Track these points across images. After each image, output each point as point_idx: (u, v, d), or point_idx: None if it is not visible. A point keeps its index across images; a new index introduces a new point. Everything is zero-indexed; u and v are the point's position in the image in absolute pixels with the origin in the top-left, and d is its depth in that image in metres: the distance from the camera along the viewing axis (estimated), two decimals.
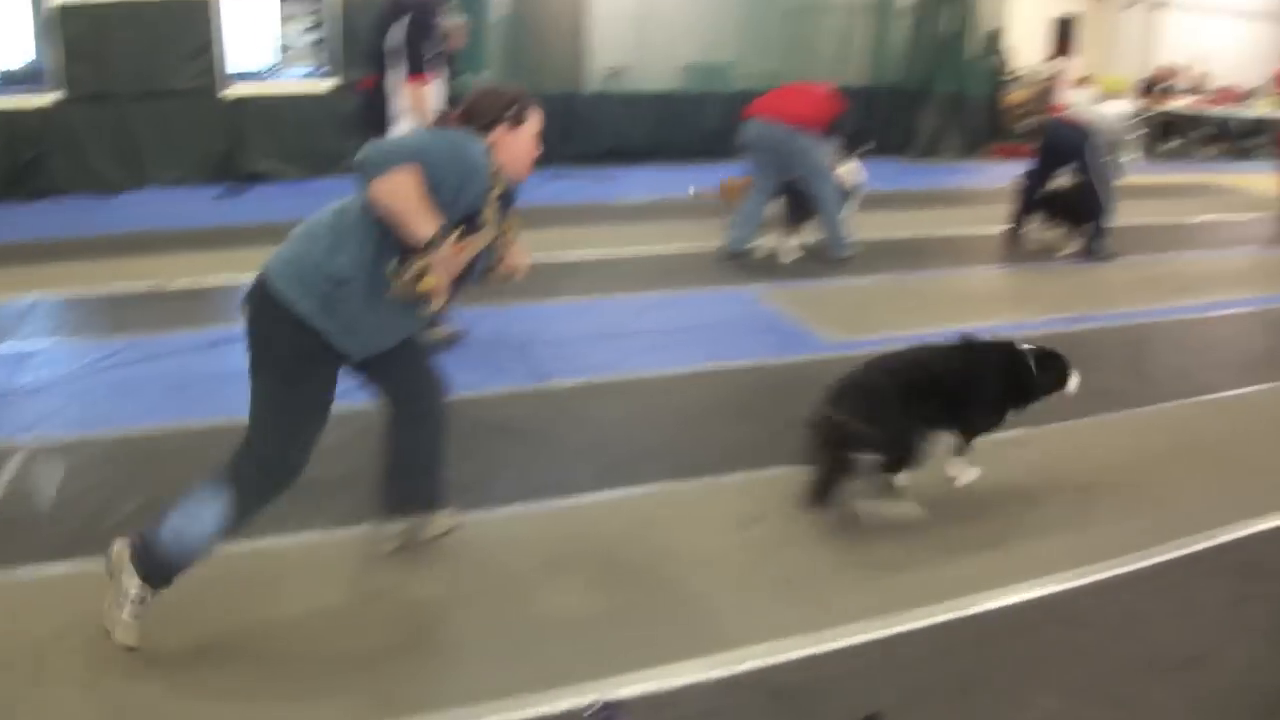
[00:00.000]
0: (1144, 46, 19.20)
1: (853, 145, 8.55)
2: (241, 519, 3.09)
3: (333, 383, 3.14)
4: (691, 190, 10.37)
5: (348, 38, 10.95)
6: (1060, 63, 15.76)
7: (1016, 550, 3.88)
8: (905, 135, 14.61)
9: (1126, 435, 5.10)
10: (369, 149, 2.99)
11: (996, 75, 15.32)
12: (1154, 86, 17.74)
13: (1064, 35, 16.80)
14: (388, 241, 2.96)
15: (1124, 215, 9.49)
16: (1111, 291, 7.93)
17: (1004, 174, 10.35)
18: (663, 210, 10.22)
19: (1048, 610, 3.50)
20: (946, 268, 8.40)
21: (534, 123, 3.34)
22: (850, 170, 8.45)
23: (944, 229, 9.80)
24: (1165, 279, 8.32)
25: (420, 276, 2.93)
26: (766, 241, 8.28)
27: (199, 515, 3.04)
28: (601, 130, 12.83)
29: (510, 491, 4.13)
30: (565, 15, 13.35)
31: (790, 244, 8.24)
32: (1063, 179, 8.96)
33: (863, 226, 8.72)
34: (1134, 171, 10.91)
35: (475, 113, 3.30)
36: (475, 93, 3.38)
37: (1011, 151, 14.15)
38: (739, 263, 8.05)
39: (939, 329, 6.44)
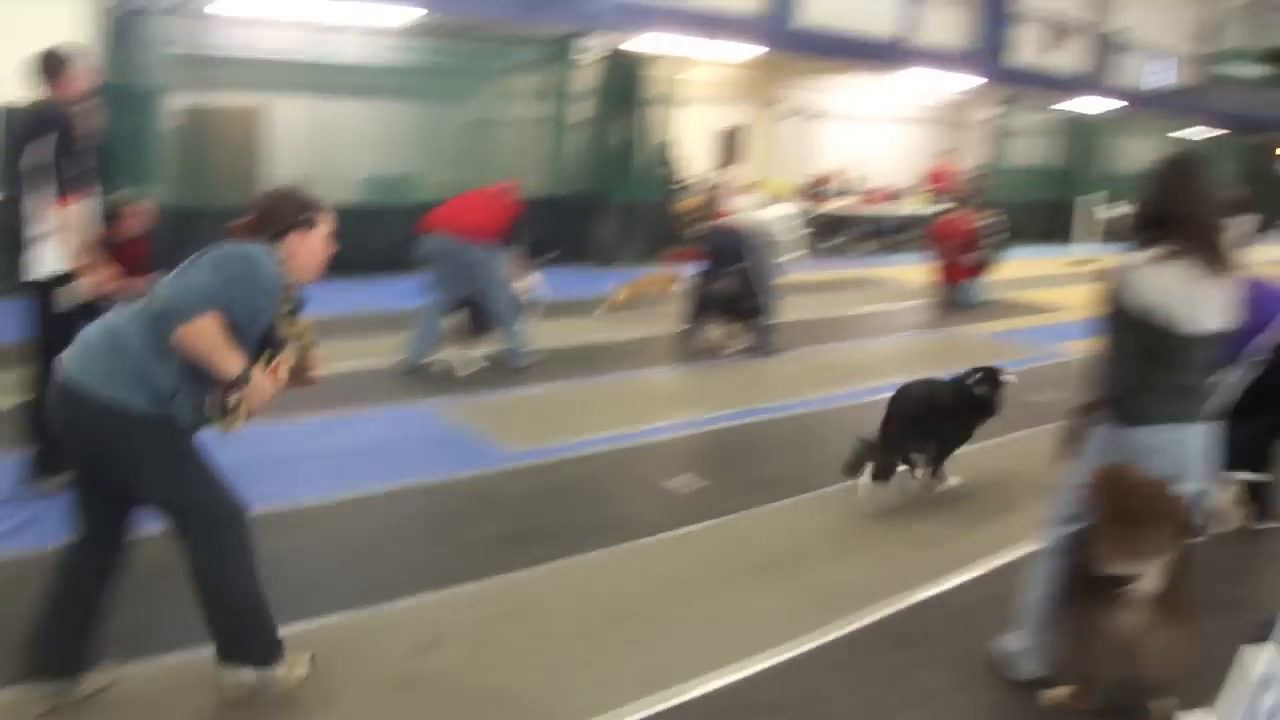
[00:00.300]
0: (804, 153, 20.65)
1: (534, 254, 8.76)
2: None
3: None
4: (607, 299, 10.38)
5: None
6: (726, 171, 16.66)
7: (683, 645, 4.00)
8: (586, 244, 15.08)
9: (790, 521, 5.39)
10: (170, 295, 3.12)
11: (667, 184, 16.08)
12: (815, 190, 19.07)
13: (730, 145, 17.82)
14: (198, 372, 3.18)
15: (789, 310, 10.13)
16: (778, 384, 8.42)
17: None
18: (339, 327, 9.95)
19: (731, 698, 3.66)
20: (625, 370, 8.67)
21: (325, 225, 3.46)
22: (529, 281, 8.65)
23: (623, 333, 10.11)
24: (829, 368, 8.91)
25: (237, 407, 3.24)
26: (446, 354, 8.29)
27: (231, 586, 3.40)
28: None
29: (174, 637, 3.84)
30: (240, 126, 13.07)
31: (470, 356, 8.28)
32: (727, 281, 9.46)
33: (544, 335, 8.90)
34: (797, 269, 11.64)
35: (268, 220, 3.34)
36: (265, 198, 3.43)
37: (684, 256, 14.83)
38: (418, 378, 8.02)
39: (619, 432, 6.70)
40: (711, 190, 16.05)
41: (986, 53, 23.41)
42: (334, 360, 8.20)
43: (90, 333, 3.26)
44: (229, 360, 3.13)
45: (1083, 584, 3.45)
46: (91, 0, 10.84)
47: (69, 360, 3.19)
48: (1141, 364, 3.49)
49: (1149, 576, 3.29)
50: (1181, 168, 3.62)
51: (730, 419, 7.29)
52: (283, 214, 3.40)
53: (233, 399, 3.21)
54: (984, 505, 5.75)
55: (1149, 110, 27.20)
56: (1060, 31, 26.02)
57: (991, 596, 4.36)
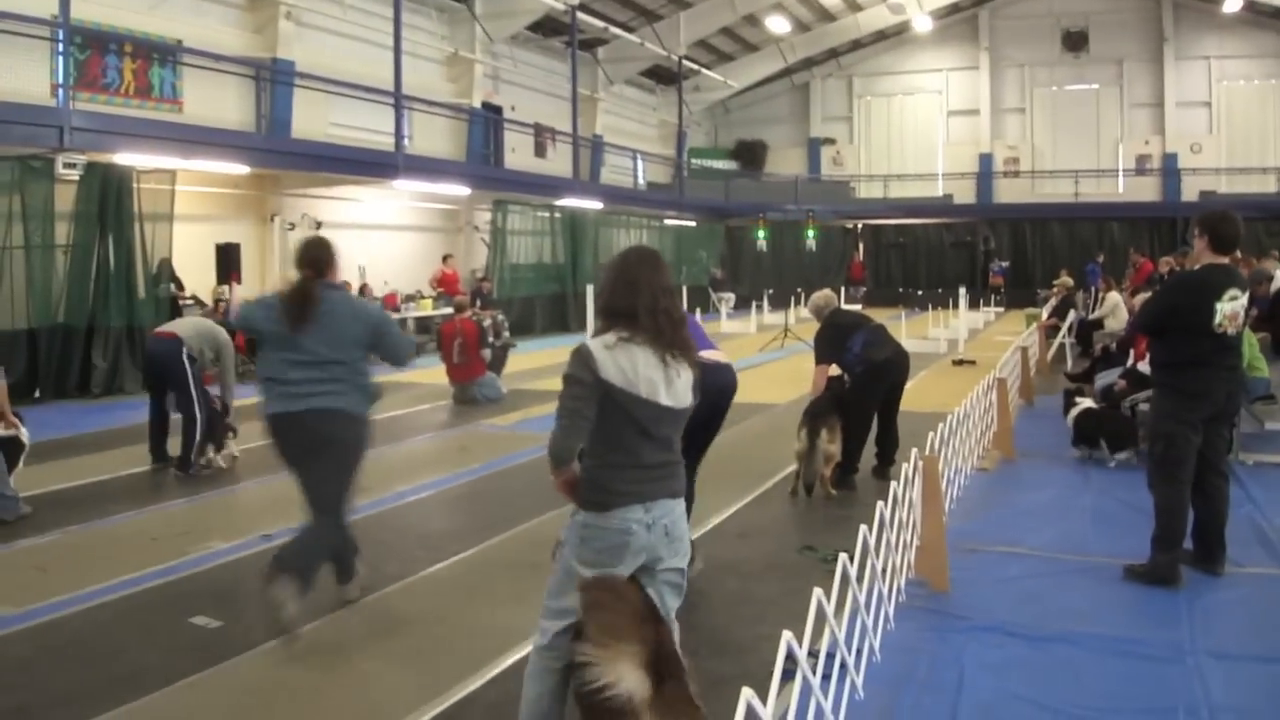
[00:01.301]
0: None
1: (14, 394, 8.24)
2: None
3: None
4: None
5: None
6: (228, 287, 16.33)
7: None
8: (81, 376, 14.20)
9: (326, 637, 5.39)
10: None
11: (171, 304, 15.52)
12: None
13: (229, 259, 17.44)
14: None
15: None
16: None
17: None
18: None
19: None
20: (134, 509, 8.25)
21: None
22: (20, 426, 8.13)
23: (131, 467, 9.63)
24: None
25: None
26: None
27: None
28: None
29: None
30: None
31: None
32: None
33: (37, 480, 8.38)
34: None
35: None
36: None
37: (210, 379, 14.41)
38: None
39: (129, 576, 6.43)
40: (216, 306, 15.75)
41: (478, 160, 24.66)
42: None
43: None
44: None
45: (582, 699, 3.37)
46: None
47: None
48: (604, 446, 3.71)
49: (632, 682, 3.23)
50: (632, 260, 3.87)
51: (255, 545, 7.18)
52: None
53: None
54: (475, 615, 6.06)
55: (632, 205, 29.66)
56: (546, 138, 27.87)
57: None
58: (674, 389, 3.69)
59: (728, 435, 10.55)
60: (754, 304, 27.85)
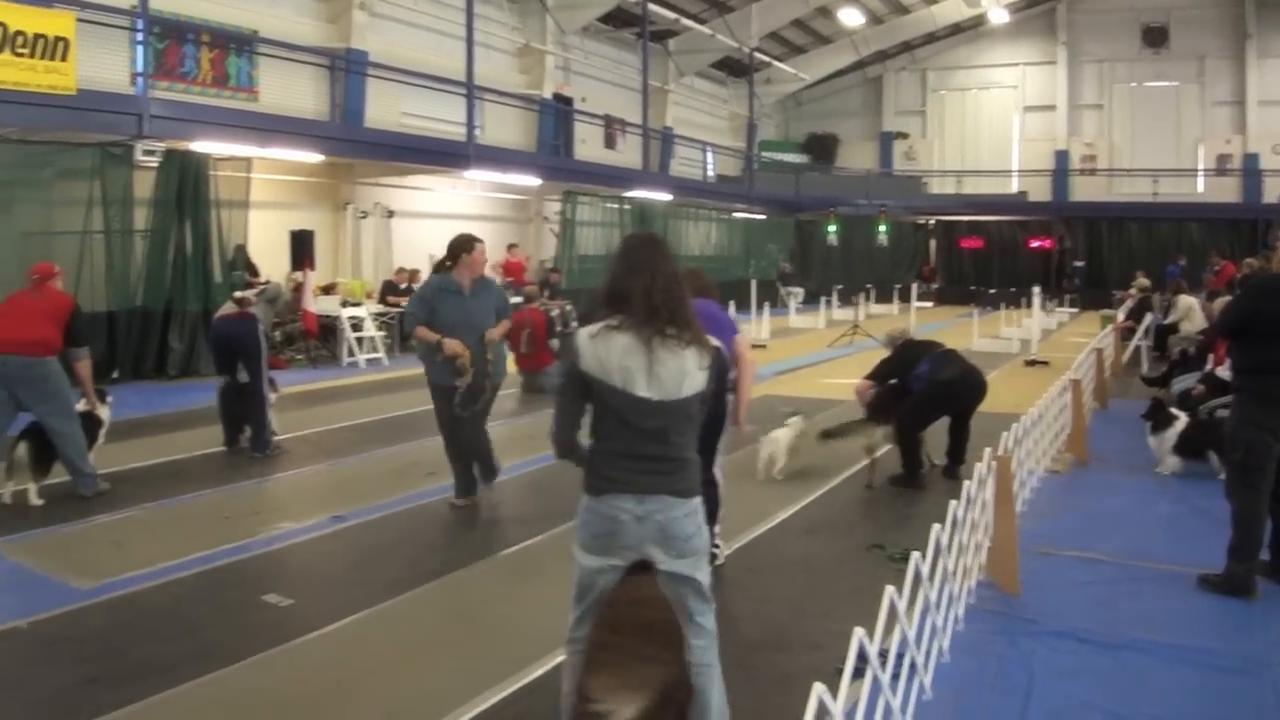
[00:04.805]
0: (381, 252, 20.83)
1: (97, 374, 8.41)
2: None
3: None
4: None
5: None
6: (302, 273, 16.56)
7: None
8: (158, 358, 14.47)
9: (397, 621, 5.40)
10: None
11: (245, 288, 15.74)
12: (395, 288, 19.23)
13: (303, 246, 17.71)
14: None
15: (379, 408, 10.15)
16: (364, 486, 8.41)
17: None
18: None
19: None
20: (208, 488, 8.39)
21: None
22: (102, 404, 8.30)
23: (205, 448, 9.80)
24: (416, 466, 9.00)
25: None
26: (5, 489, 7.73)
27: None
28: None
29: None
30: None
31: (33, 488, 7.72)
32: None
33: (116, 458, 8.53)
34: (381, 367, 11.59)
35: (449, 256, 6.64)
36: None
37: (283, 363, 14.71)
38: None
39: (205, 553, 6.53)
40: (293, 291, 15.96)
41: (549, 151, 24.71)
42: None
43: None
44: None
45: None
46: None
47: None
48: (599, 433, 3.69)
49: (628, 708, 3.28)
50: (632, 245, 3.91)
51: (323, 526, 7.29)
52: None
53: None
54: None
55: (701, 197, 29.57)
56: (616, 129, 27.88)
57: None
58: (657, 379, 3.57)
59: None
60: (823, 299, 27.61)
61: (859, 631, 3.28)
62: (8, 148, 13.22)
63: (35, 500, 7.67)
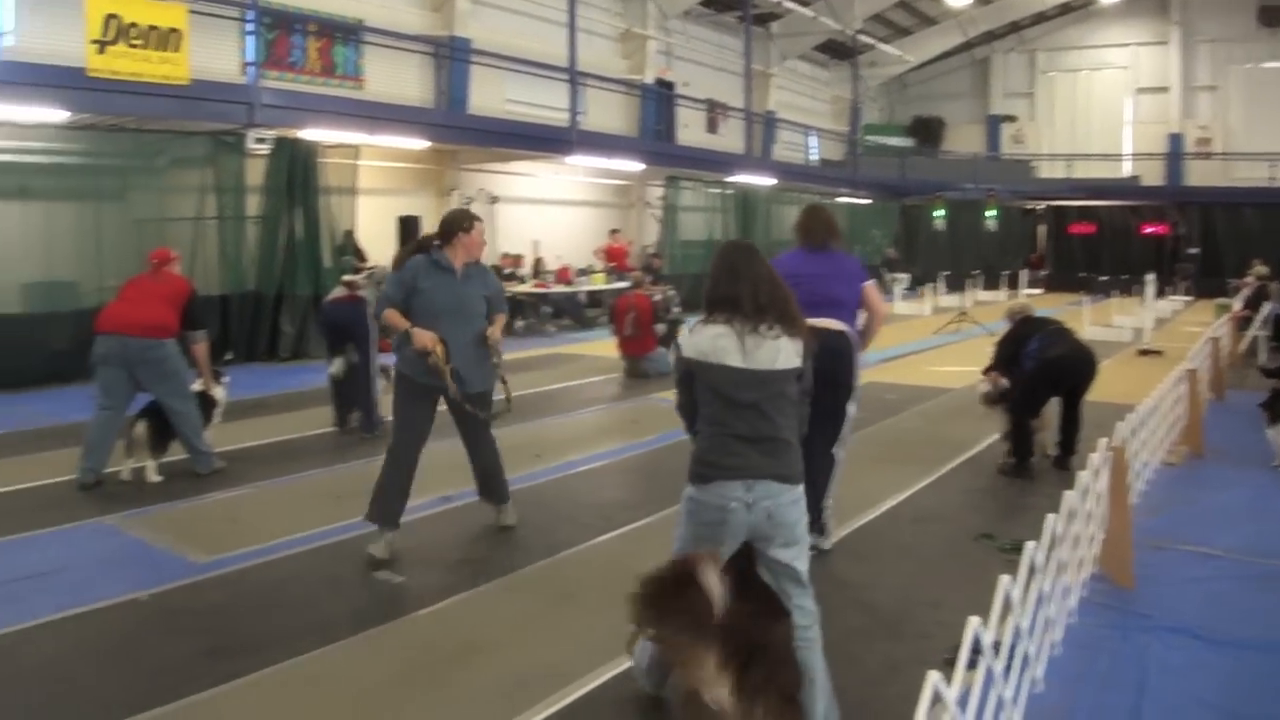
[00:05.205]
0: (486, 237, 20.90)
1: (213, 354, 8.57)
2: None
3: None
4: None
5: None
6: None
7: None
8: (270, 340, 14.75)
9: (493, 605, 5.44)
10: None
11: (346, 275, 15.96)
12: (499, 273, 19.39)
13: (410, 232, 17.88)
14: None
15: None
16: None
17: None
18: (8, 444, 9.29)
19: None
20: (319, 467, 8.50)
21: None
22: (217, 384, 8.44)
23: (316, 428, 9.93)
24: (526, 447, 9.04)
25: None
26: (126, 465, 7.90)
27: None
28: None
29: None
30: None
31: (151, 466, 7.89)
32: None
33: (231, 437, 8.67)
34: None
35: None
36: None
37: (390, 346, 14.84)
38: (95, 492, 7.58)
39: (316, 530, 6.60)
40: None
41: (651, 136, 24.63)
42: (3, 480, 7.79)
43: None
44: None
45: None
46: None
47: None
48: (703, 419, 3.89)
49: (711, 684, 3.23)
50: (729, 252, 4.09)
51: (432, 506, 7.31)
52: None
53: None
54: None
55: (805, 181, 29.26)
56: (719, 114, 27.70)
57: None
58: (750, 354, 3.79)
59: (904, 418, 10.37)
60: (929, 285, 27.12)
61: (974, 621, 3.18)
62: (124, 137, 13.58)
63: (153, 477, 7.84)
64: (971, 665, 3.21)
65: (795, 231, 6.45)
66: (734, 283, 3.89)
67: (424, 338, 6.01)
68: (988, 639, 3.28)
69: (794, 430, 3.88)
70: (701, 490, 3.75)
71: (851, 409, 6.13)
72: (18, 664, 4.73)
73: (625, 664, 4.40)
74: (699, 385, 3.87)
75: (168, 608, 5.39)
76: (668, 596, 3.27)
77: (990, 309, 21.38)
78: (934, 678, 2.73)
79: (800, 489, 3.81)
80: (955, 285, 27.26)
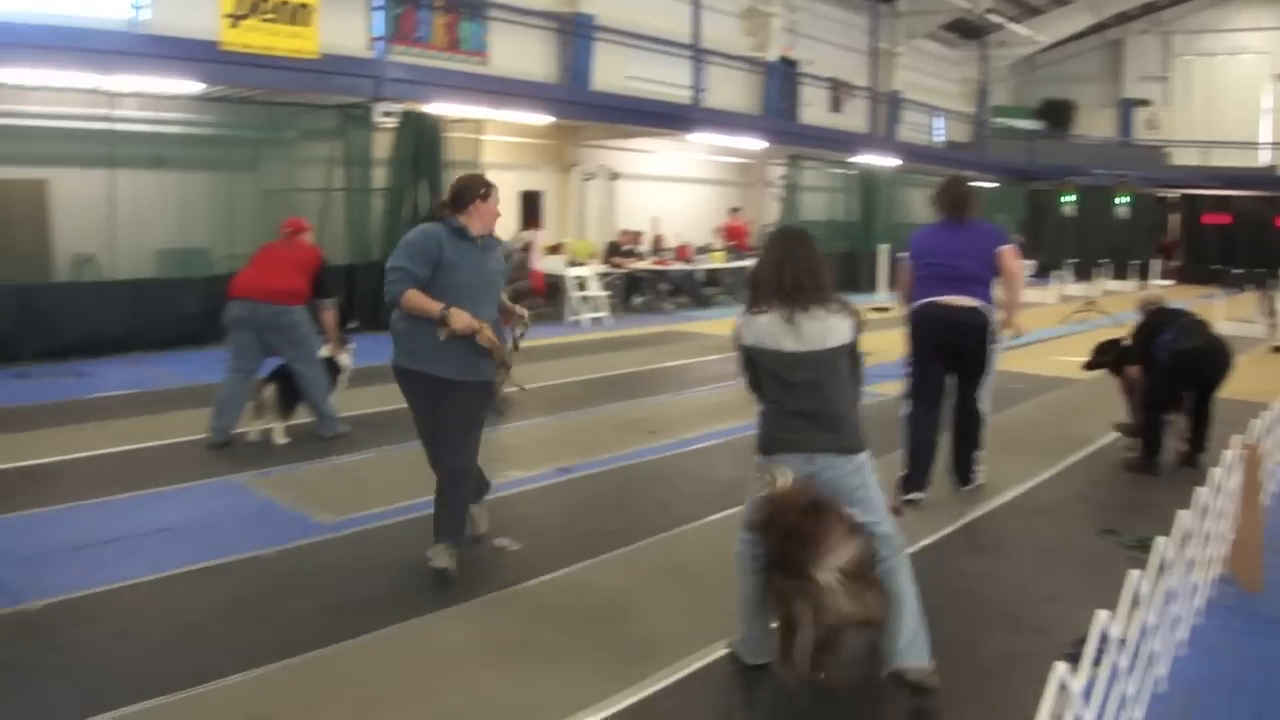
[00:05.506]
0: (605, 213, 21.02)
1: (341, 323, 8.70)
2: None
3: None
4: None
5: None
6: (531, 233, 16.84)
7: (512, 704, 3.98)
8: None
9: (612, 574, 5.43)
10: None
11: None
12: (619, 249, 19.43)
13: (532, 207, 18.00)
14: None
15: (600, 367, 10.22)
16: (592, 440, 8.49)
17: None
18: (142, 403, 9.66)
19: None
20: None
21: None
22: (344, 350, 8.57)
23: None
24: (642, 422, 9.03)
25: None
26: (255, 426, 8.10)
27: None
28: (71, 322, 12.01)
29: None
30: (24, 202, 12.54)
31: (279, 428, 8.09)
32: None
33: (353, 402, 8.80)
34: (605, 326, 11.65)
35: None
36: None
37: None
38: (226, 452, 7.79)
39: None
40: (520, 252, 16.26)
41: (774, 114, 24.38)
42: (137, 438, 8.05)
43: None
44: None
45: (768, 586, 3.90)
46: None
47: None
48: (764, 398, 4.18)
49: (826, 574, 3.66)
50: (776, 238, 4.43)
51: (550, 476, 7.34)
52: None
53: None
54: None
55: (930, 163, 28.72)
56: (843, 93, 27.31)
57: None
58: (802, 337, 4.05)
59: (1027, 408, 10.09)
60: (1056, 273, 26.37)
61: (1103, 614, 3.05)
62: (255, 109, 13.91)
63: (280, 439, 8.02)
64: (1094, 661, 3.10)
65: (934, 203, 6.64)
66: (781, 270, 4.12)
67: (464, 317, 5.10)
68: (1114, 632, 3.15)
69: (850, 402, 4.15)
70: (768, 460, 4.06)
71: (990, 374, 6.65)
72: (147, 614, 4.88)
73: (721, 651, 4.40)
74: (757, 365, 4.16)
75: (292, 566, 5.51)
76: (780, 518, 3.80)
77: (1119, 299, 20.69)
78: (1060, 669, 2.65)
79: (860, 457, 4.07)
80: (1083, 273, 26.47)
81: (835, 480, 3.98)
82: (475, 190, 5.38)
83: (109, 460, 7.67)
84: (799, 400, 4.04)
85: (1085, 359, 8.60)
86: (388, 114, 14.40)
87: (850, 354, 4.14)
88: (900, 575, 4.01)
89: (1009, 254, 6.50)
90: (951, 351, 6.64)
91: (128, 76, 11.95)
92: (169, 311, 12.54)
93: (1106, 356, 8.46)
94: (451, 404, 5.30)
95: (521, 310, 5.82)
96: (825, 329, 4.05)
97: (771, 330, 4.07)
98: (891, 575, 3.97)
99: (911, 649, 3.92)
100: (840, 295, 4.19)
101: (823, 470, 3.98)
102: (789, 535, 3.73)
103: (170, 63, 12.13)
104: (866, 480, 4.07)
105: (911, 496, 6.65)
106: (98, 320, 12.24)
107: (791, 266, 4.13)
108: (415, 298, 5.18)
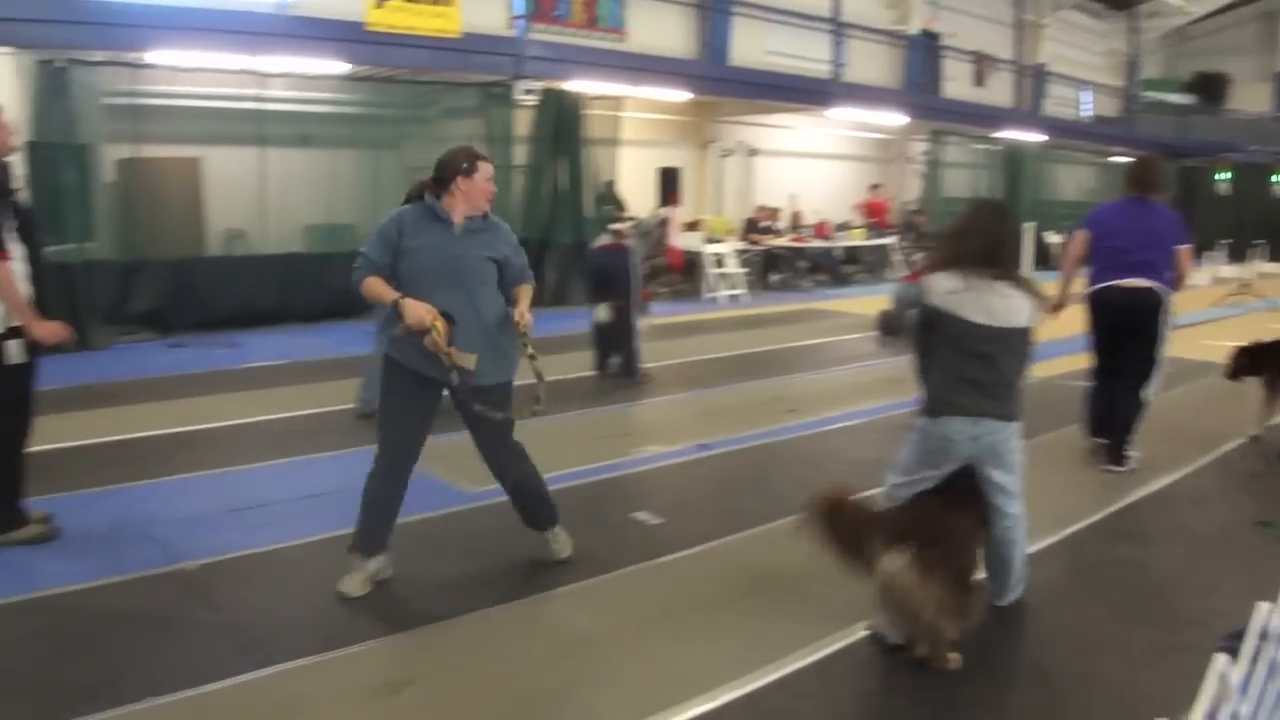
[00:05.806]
0: (742, 190, 20.87)
1: None
2: None
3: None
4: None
5: None
6: (669, 210, 16.80)
7: (653, 677, 3.95)
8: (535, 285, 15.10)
9: (754, 552, 5.38)
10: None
11: (612, 224, 16.16)
12: (757, 226, 19.28)
13: (670, 183, 17.92)
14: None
15: (738, 344, 10.11)
16: (732, 417, 8.42)
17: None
18: (292, 373, 9.96)
19: None
20: (581, 409, 8.59)
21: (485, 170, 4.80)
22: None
23: (577, 371, 10.02)
24: (781, 401, 8.94)
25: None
26: None
27: None
28: (224, 295, 12.46)
29: (141, 687, 3.80)
30: (179, 179, 13.00)
31: None
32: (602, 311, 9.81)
33: None
34: (745, 304, 11.54)
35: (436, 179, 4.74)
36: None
37: (649, 295, 14.98)
38: (372, 422, 7.87)
39: (577, 469, 6.67)
40: (657, 228, 16.23)
41: (915, 89, 23.85)
42: (288, 406, 8.26)
43: None
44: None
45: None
46: (23, 53, 10.72)
47: None
48: (938, 362, 4.30)
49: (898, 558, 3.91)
50: (981, 212, 4.56)
51: (689, 452, 7.30)
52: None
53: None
54: None
55: (1076, 139, 27.79)
56: (986, 66, 26.58)
57: None
58: (991, 311, 4.17)
59: (1179, 393, 9.67)
60: (1209, 254, 25.26)
61: (1265, 606, 2.87)
62: (399, 88, 14.14)
63: None
64: (1234, 655, 2.94)
65: (1123, 181, 6.99)
66: (981, 242, 4.26)
67: (417, 310, 4.52)
68: (1275, 626, 2.97)
69: (1018, 375, 4.29)
70: (931, 423, 4.26)
71: (1162, 356, 6.76)
72: (296, 576, 5.03)
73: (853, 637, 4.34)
74: (939, 331, 4.26)
75: (435, 533, 5.61)
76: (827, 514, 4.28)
77: (1275, 282, 19.78)
78: (1221, 660, 2.49)
79: (1017, 424, 4.27)
80: (1237, 255, 25.32)
81: (996, 444, 4.20)
82: (457, 165, 4.69)
83: (260, 427, 7.91)
84: (974, 370, 4.19)
85: (1227, 366, 8.14)
86: (528, 92, 14.51)
87: (1027, 335, 4.28)
88: (1014, 545, 4.47)
89: (1186, 256, 6.80)
90: (1129, 330, 6.77)
91: (276, 57, 12.27)
92: (317, 285, 12.84)
93: (1244, 360, 8.05)
94: (471, 421, 5.05)
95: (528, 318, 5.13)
96: (1010, 308, 4.19)
97: (960, 299, 4.18)
98: (1008, 545, 4.44)
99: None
100: (1026, 276, 4.33)
101: (984, 434, 4.18)
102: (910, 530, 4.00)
103: (317, 44, 12.41)
104: (1017, 445, 4.31)
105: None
106: (249, 293, 12.65)
107: (991, 241, 4.28)
108: (374, 286, 4.65)
